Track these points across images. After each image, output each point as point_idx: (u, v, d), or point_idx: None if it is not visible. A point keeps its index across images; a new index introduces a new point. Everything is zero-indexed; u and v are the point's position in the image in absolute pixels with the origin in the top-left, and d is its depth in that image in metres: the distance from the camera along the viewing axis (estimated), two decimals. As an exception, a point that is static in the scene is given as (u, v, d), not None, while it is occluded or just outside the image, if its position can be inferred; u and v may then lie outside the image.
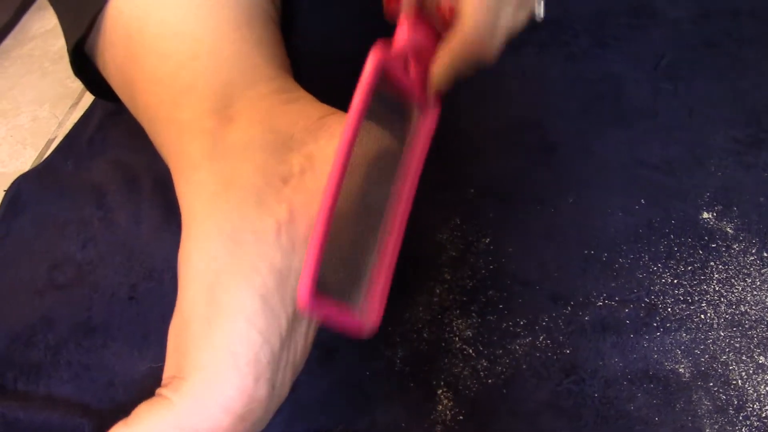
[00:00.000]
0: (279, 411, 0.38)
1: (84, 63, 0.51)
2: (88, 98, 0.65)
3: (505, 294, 0.42)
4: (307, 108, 0.42)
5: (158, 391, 0.37)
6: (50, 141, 0.64)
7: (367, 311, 0.37)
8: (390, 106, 0.39)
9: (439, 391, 0.39)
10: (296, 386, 0.38)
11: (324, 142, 0.40)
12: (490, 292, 0.43)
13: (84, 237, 0.52)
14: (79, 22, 0.48)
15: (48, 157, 0.59)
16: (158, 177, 0.54)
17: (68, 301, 0.48)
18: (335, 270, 0.36)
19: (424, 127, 0.41)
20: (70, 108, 0.65)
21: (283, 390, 0.39)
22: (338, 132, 0.40)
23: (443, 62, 0.39)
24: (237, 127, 0.41)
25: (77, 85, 0.67)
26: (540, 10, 0.42)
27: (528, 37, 0.56)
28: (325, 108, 0.42)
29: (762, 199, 0.43)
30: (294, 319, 0.38)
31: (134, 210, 0.53)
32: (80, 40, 0.48)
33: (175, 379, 0.36)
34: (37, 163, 0.61)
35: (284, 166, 0.39)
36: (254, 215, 0.38)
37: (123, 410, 0.35)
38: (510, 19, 0.39)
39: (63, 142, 0.59)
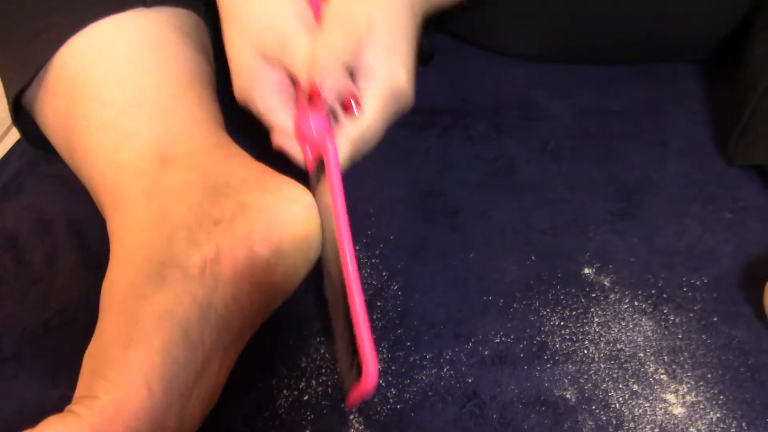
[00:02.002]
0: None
1: (19, 112, 0.52)
2: (3, 149, 0.66)
3: (412, 333, 0.46)
4: (245, 161, 0.46)
5: (68, 407, 0.37)
6: (-41, 189, 0.64)
7: (363, 370, 0.37)
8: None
9: (351, 417, 0.42)
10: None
11: (258, 194, 0.43)
12: (399, 331, 0.46)
13: (-7, 276, 0.52)
14: (22, 73, 0.49)
15: (-41, 201, 0.59)
16: (74, 223, 0.55)
17: (-24, 334, 0.48)
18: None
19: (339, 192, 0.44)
20: (-18, 158, 0.65)
21: (193, 424, 0.39)
22: (271, 187, 0.43)
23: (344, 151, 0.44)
24: (175, 170, 0.43)
25: (-9, 138, 0.68)
26: None
27: (431, 121, 0.63)
28: (261, 165, 0.46)
29: (633, 259, 0.50)
30: (209, 355, 0.39)
31: (48, 251, 0.54)
32: (21, 91, 0.50)
33: (86, 398, 0.36)
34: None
35: (217, 210, 0.42)
36: (183, 251, 0.40)
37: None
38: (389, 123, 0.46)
39: (-24, 188, 0.60)
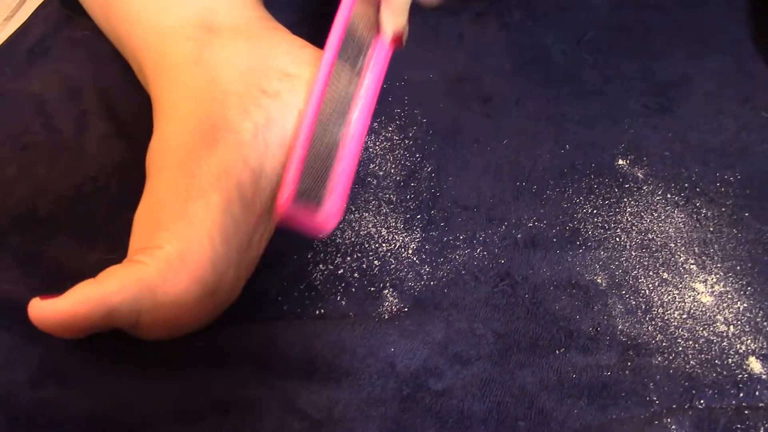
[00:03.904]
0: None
1: None
2: (23, 14, 0.64)
3: (445, 214, 0.47)
4: (287, 36, 0.46)
5: (130, 257, 0.38)
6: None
7: (326, 212, 0.40)
8: (355, 38, 0.43)
9: (385, 291, 0.43)
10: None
11: (301, 65, 0.43)
12: (433, 212, 0.47)
13: (24, 140, 0.52)
14: None
15: (-17, 62, 0.57)
16: (103, 91, 0.55)
17: (9, 195, 0.48)
18: (307, 177, 0.40)
19: (379, 57, 0.45)
20: (3, 21, 0.64)
21: (239, 286, 0.41)
22: (315, 60, 0.43)
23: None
24: (222, 39, 0.44)
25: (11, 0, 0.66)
26: None
27: (465, 6, 0.62)
28: (301, 40, 0.46)
29: (666, 153, 0.50)
30: (258, 221, 0.40)
31: (78, 118, 0.53)
32: None
33: (148, 248, 0.37)
34: (-32, 69, 0.59)
35: (264, 79, 0.42)
36: (235, 116, 0.41)
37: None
38: None
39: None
